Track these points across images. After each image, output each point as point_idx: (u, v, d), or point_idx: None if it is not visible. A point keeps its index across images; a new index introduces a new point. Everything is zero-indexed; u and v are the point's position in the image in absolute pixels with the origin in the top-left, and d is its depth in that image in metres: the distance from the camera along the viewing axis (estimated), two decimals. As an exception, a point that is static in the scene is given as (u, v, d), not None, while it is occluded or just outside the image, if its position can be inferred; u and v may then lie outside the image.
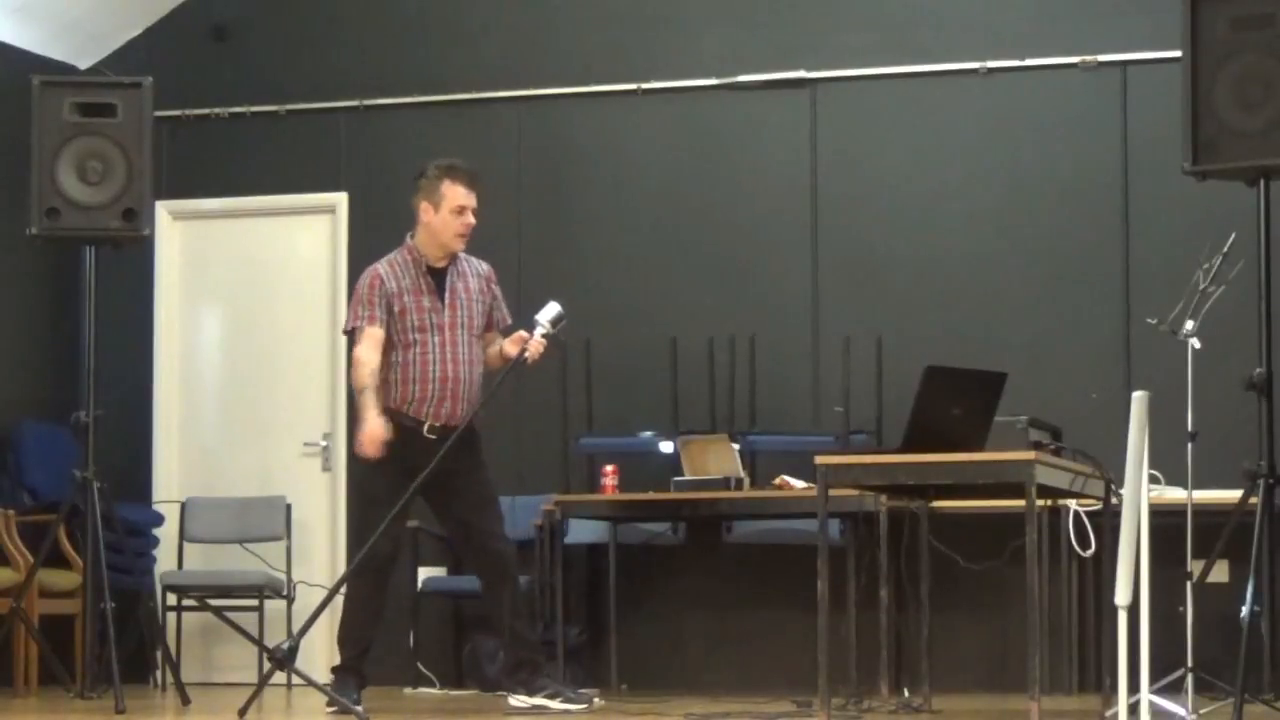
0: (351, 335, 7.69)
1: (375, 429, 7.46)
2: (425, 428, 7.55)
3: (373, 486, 7.57)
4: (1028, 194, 9.54)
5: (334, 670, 7.71)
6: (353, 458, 10.09)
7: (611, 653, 9.41)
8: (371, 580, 7.59)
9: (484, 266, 7.81)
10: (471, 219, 7.65)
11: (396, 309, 7.58)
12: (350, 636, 7.67)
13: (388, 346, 7.60)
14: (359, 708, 7.31)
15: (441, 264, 7.68)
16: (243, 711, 7.04)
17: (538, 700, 7.63)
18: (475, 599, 9.24)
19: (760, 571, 9.48)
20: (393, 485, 7.44)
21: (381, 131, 10.40)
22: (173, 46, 10.54)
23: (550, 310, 7.58)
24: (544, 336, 7.56)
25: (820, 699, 6.82)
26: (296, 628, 7.49)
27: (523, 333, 7.60)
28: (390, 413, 7.52)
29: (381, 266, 7.67)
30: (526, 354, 7.51)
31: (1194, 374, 6.90)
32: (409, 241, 7.71)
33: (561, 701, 7.62)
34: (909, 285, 9.61)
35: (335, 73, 10.46)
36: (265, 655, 7.92)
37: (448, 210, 7.61)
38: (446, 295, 7.64)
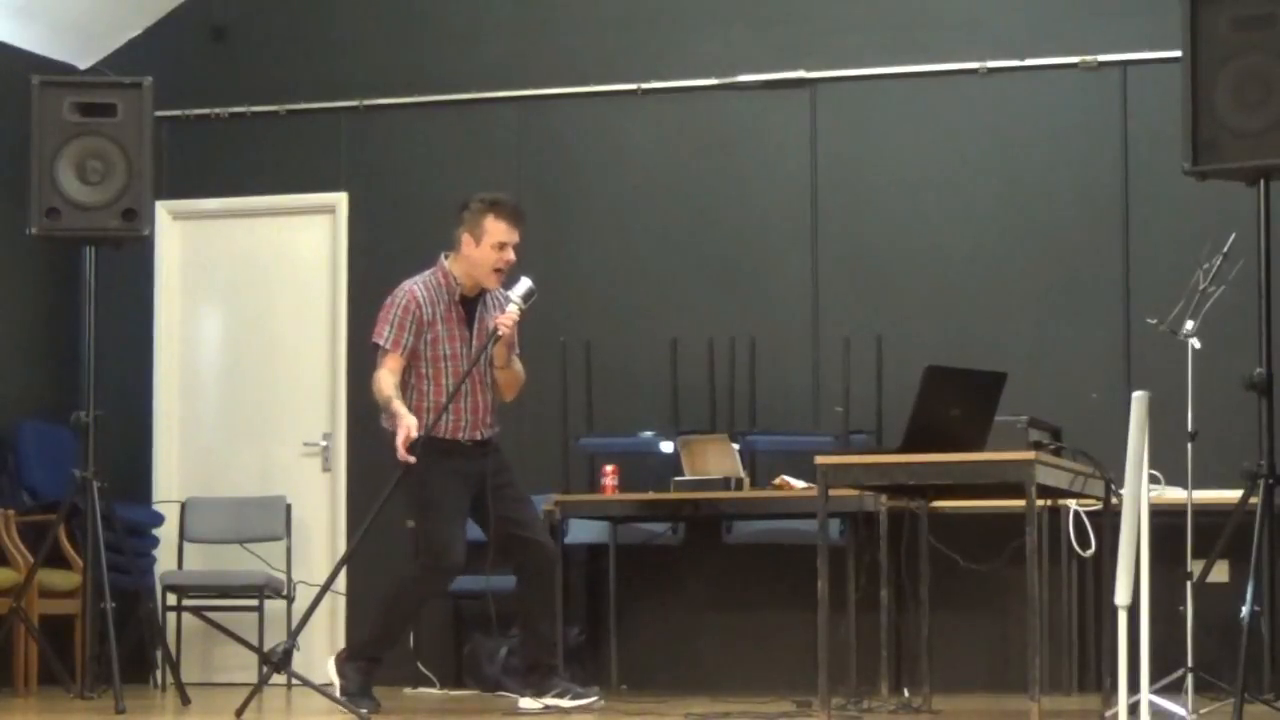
0: (375, 347, 7.66)
1: (411, 428, 7.34)
2: (463, 440, 7.59)
3: (427, 491, 7.49)
4: (1028, 194, 9.53)
5: (361, 659, 7.64)
6: (353, 458, 10.16)
7: (611, 653, 9.42)
8: (439, 585, 7.73)
9: (519, 290, 7.59)
10: (511, 256, 7.60)
11: (429, 336, 7.57)
12: (396, 634, 7.77)
13: (414, 371, 7.60)
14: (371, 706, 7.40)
15: (473, 294, 7.66)
16: (239, 712, 7.05)
17: (548, 700, 7.65)
18: (475, 599, 9.25)
19: (760, 571, 9.48)
20: (447, 487, 7.51)
21: (381, 131, 10.41)
22: (173, 46, 10.54)
23: (522, 285, 7.54)
24: (517, 310, 7.51)
25: (820, 699, 6.82)
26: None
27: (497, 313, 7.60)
28: (426, 438, 7.48)
29: (419, 289, 7.61)
30: (499, 331, 7.48)
31: (1194, 374, 6.89)
32: (444, 264, 7.66)
33: (571, 699, 7.65)
34: (909, 285, 9.61)
35: (335, 73, 10.46)
36: (261, 659, 7.93)
37: (488, 245, 7.57)
38: (475, 326, 7.62)
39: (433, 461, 7.37)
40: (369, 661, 7.62)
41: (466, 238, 7.61)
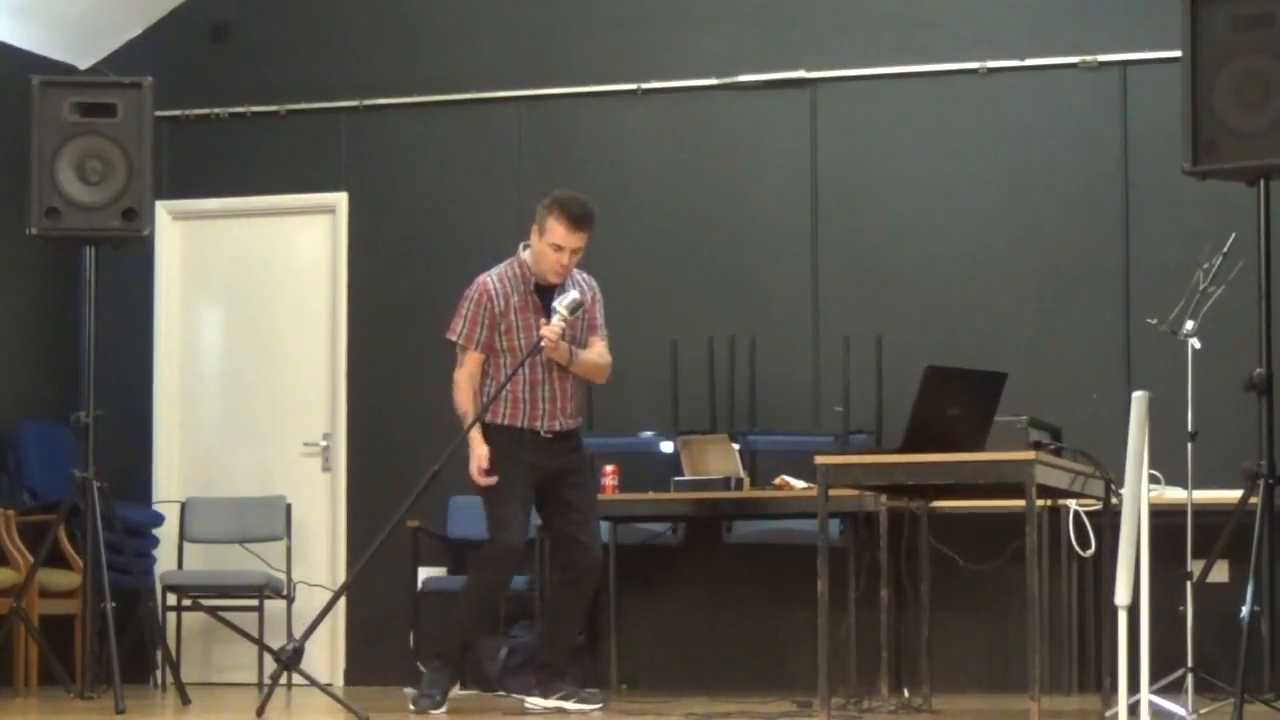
0: (453, 345, 7.72)
1: (483, 457, 7.52)
2: (542, 431, 7.65)
3: (505, 480, 7.57)
4: (1028, 194, 9.54)
5: (438, 656, 7.75)
6: (353, 458, 10.17)
7: (611, 653, 9.42)
8: (507, 571, 7.72)
9: (588, 285, 7.77)
10: (566, 259, 7.62)
11: (503, 327, 7.62)
12: (476, 624, 7.85)
13: (492, 360, 7.66)
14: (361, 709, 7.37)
15: (547, 283, 7.69)
16: (260, 711, 7.10)
17: (552, 702, 7.69)
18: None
19: (760, 571, 9.48)
20: (510, 472, 7.56)
21: (381, 131, 10.40)
22: (173, 46, 10.54)
23: (568, 297, 7.60)
24: (562, 322, 7.55)
25: (820, 699, 6.82)
26: (296, 628, 7.51)
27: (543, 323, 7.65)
28: (502, 427, 7.57)
29: (492, 282, 7.68)
30: (543, 342, 7.52)
31: (1194, 374, 6.90)
32: (521, 254, 7.72)
33: (576, 702, 7.68)
34: (909, 285, 9.61)
35: (335, 73, 10.46)
36: (272, 656, 7.93)
37: (547, 244, 7.62)
38: (552, 316, 7.65)
39: (501, 450, 7.48)
40: (441, 659, 7.71)
41: (535, 230, 7.66)
